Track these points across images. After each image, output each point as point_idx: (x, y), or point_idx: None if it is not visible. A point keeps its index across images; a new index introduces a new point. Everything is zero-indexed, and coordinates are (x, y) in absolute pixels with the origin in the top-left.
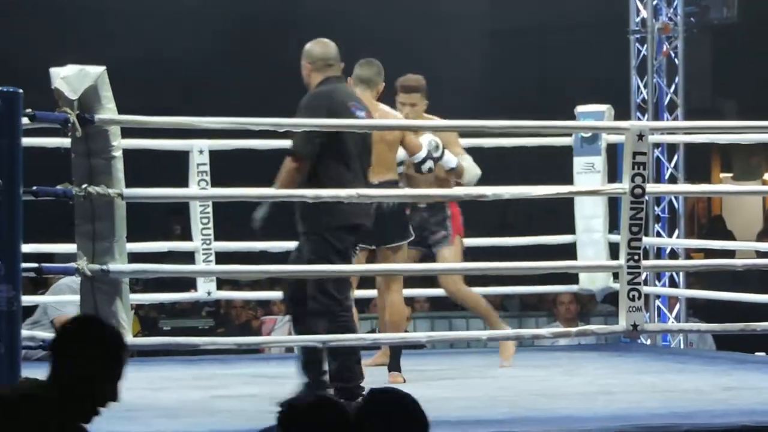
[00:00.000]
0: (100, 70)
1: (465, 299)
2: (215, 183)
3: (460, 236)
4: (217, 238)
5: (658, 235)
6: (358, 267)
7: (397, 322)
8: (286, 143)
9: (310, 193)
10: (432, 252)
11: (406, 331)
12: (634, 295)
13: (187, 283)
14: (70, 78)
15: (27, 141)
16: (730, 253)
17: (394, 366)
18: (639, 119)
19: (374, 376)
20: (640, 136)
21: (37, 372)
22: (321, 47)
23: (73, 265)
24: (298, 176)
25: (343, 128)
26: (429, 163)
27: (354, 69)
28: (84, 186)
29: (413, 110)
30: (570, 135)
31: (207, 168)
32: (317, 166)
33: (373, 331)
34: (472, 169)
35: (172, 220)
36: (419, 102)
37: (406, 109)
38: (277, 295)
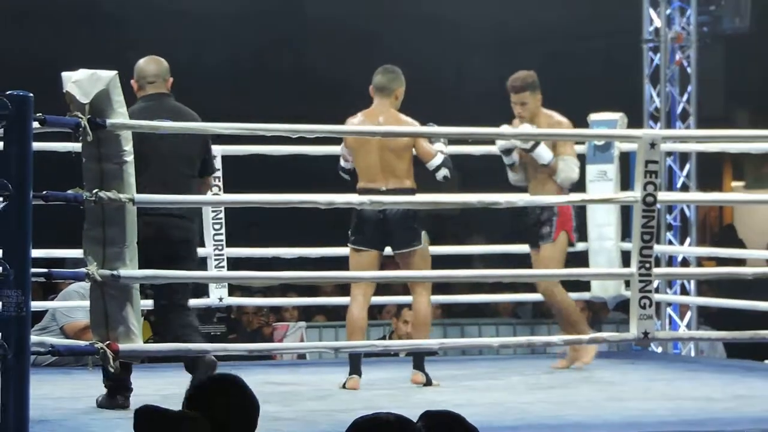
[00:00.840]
0: (111, 74)
1: (556, 303)
2: (228, 189)
3: (568, 233)
4: (230, 244)
5: (670, 243)
6: (365, 274)
7: (418, 325)
8: (299, 149)
9: (322, 198)
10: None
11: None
12: (645, 303)
13: (198, 289)
14: (81, 82)
15: (38, 145)
16: (741, 262)
17: (417, 365)
18: (651, 128)
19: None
20: (653, 145)
21: (45, 378)
22: (143, 65)
23: (83, 270)
24: None
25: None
26: (444, 171)
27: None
28: (95, 191)
29: (525, 109)
30: (583, 143)
31: (219, 173)
32: None
33: (384, 337)
34: (567, 170)
35: None
36: (529, 99)
37: (518, 108)
38: (289, 301)
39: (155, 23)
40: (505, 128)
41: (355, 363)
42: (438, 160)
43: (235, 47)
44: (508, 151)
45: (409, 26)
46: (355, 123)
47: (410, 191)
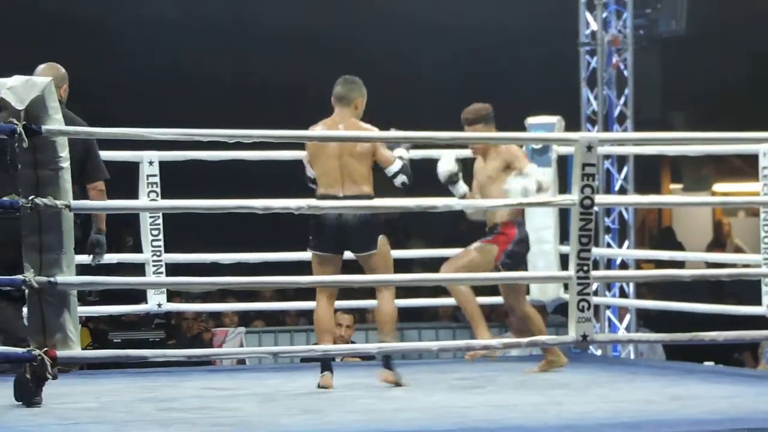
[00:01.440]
0: (47, 80)
1: (459, 300)
2: (165, 194)
3: (498, 250)
4: (169, 249)
5: (609, 246)
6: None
7: (382, 324)
8: (237, 154)
9: (259, 204)
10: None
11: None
12: (583, 306)
13: (137, 294)
14: (16, 88)
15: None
16: (679, 264)
17: (387, 365)
18: (589, 131)
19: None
20: (590, 148)
21: None
22: (39, 72)
23: (20, 277)
24: None
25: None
26: (402, 178)
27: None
28: (31, 197)
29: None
30: (521, 146)
31: (157, 179)
32: None
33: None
34: (537, 176)
35: (124, 231)
36: (484, 131)
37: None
38: (228, 307)
39: (97, 28)
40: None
41: (325, 361)
42: (396, 166)
43: (179, 53)
44: (453, 183)
45: (365, 28)
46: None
47: (367, 197)
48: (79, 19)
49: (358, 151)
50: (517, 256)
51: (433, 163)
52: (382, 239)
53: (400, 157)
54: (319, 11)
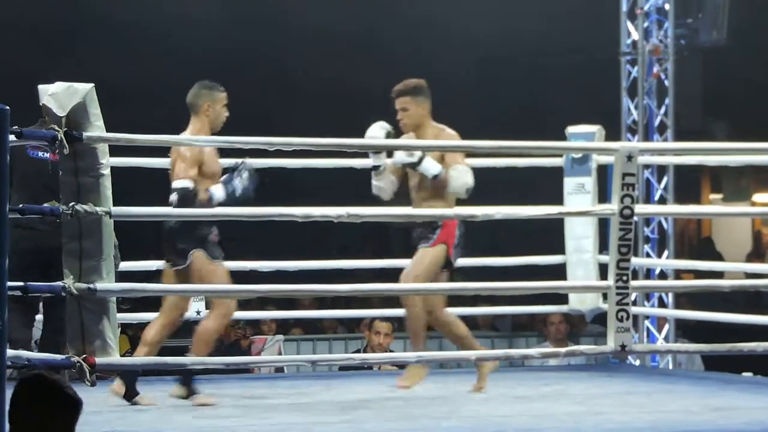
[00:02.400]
0: (88, 87)
1: (409, 312)
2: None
3: (447, 248)
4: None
5: (648, 255)
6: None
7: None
8: (279, 162)
9: (299, 211)
10: None
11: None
12: (622, 316)
13: None
14: (58, 95)
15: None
16: (718, 274)
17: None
18: (629, 140)
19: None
20: (630, 157)
21: None
22: None
23: (59, 283)
24: None
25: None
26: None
27: None
28: (71, 204)
29: (406, 115)
30: (561, 156)
31: None
32: None
33: (357, 351)
34: (459, 178)
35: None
36: (410, 105)
37: (399, 114)
38: (267, 314)
39: (132, 34)
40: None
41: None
42: (176, 184)
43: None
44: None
45: (396, 38)
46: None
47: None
48: (119, 23)
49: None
50: (465, 248)
51: None
52: (198, 253)
53: (211, 192)
54: (353, 13)
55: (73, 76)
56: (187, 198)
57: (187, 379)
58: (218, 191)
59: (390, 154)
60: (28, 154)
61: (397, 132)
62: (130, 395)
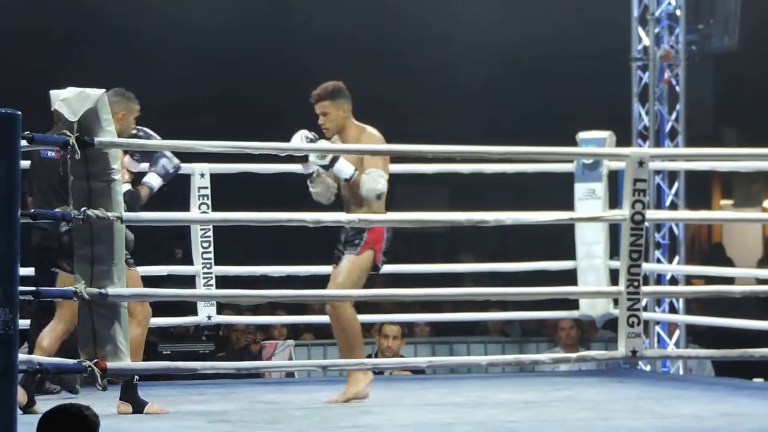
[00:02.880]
0: (100, 92)
1: (341, 321)
2: (216, 207)
3: (375, 253)
4: (219, 262)
5: (659, 261)
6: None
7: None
8: (288, 167)
9: (309, 217)
10: None
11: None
12: (633, 321)
13: (187, 307)
14: (69, 100)
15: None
16: (729, 280)
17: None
18: (640, 146)
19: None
20: (641, 163)
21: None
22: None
23: (71, 288)
24: None
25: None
26: None
27: None
28: (83, 209)
29: (327, 119)
30: (571, 161)
31: (208, 192)
32: None
33: (369, 356)
34: (370, 182)
35: (175, 244)
36: (330, 109)
37: (320, 120)
38: (278, 319)
39: (147, 40)
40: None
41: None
42: None
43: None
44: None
45: (408, 41)
46: None
47: None
48: (133, 30)
49: None
50: (388, 252)
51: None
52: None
53: (147, 184)
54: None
55: (84, 81)
56: (135, 200)
57: (129, 394)
58: (152, 179)
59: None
60: (39, 155)
61: (321, 137)
62: (138, 408)
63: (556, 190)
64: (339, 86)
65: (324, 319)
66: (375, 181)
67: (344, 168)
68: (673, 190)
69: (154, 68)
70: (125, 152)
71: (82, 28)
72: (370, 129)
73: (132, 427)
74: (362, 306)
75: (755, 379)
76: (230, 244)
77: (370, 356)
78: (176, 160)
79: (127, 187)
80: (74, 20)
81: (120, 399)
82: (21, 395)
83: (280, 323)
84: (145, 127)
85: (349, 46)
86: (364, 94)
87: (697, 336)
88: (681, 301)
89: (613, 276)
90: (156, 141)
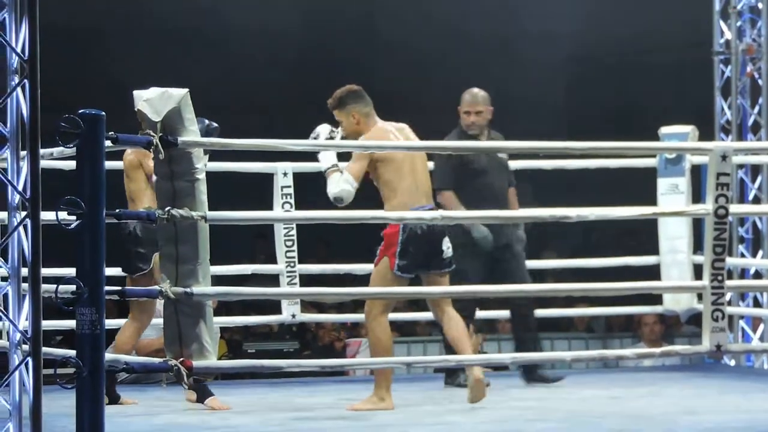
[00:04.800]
0: (183, 92)
1: (372, 329)
2: (299, 205)
3: (389, 259)
4: (303, 260)
5: (742, 255)
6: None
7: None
8: None
9: (394, 215)
10: None
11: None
12: (717, 316)
13: (271, 305)
14: (153, 100)
15: (112, 164)
16: None
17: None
18: (723, 140)
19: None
20: (724, 157)
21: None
22: None
23: (156, 288)
24: None
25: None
26: None
27: None
28: (167, 209)
29: (342, 128)
30: (654, 156)
31: (291, 191)
32: None
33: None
34: (330, 184)
35: (258, 243)
36: (341, 117)
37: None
38: (361, 317)
39: (223, 41)
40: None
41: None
42: None
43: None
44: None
45: (477, 39)
46: None
47: None
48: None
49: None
50: (411, 251)
51: None
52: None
53: None
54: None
55: (165, 81)
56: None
57: (196, 383)
58: None
59: None
60: None
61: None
62: (202, 397)
63: (639, 186)
64: (344, 92)
65: (407, 316)
66: (336, 183)
67: (323, 162)
68: (756, 184)
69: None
70: None
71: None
72: (375, 129)
73: (219, 424)
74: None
75: None
76: (313, 242)
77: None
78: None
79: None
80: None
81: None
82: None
83: (354, 321)
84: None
85: (419, 45)
86: (434, 90)
87: None
88: (765, 295)
89: (697, 271)
90: (239, 141)
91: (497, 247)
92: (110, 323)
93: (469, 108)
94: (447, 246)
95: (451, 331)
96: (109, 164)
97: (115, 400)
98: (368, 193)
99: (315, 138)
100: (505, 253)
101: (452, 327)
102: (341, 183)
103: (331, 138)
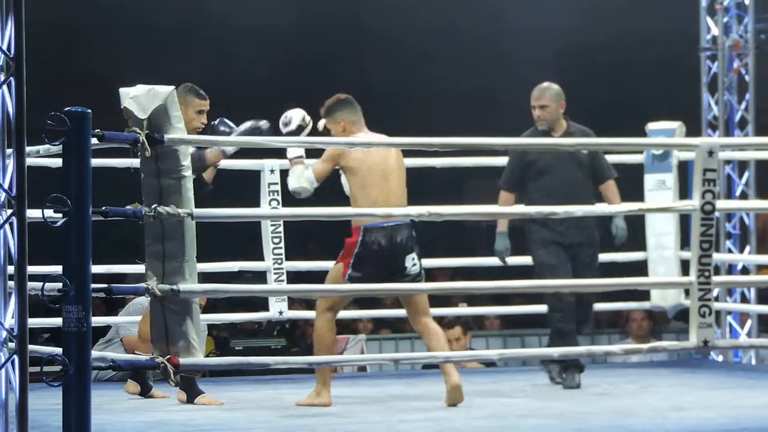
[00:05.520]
0: (169, 89)
1: (317, 325)
2: (286, 203)
3: (343, 267)
4: (289, 258)
5: (730, 251)
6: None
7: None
8: None
9: (379, 211)
10: None
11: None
12: (704, 312)
13: (258, 302)
14: (139, 98)
15: (97, 161)
16: None
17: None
18: (710, 136)
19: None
20: (711, 153)
21: (106, 393)
22: None
23: (143, 285)
24: None
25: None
26: None
27: None
28: (154, 206)
29: (332, 135)
30: (641, 152)
31: (278, 187)
32: None
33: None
34: (291, 176)
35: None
36: (330, 125)
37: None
38: (349, 314)
39: (212, 38)
40: None
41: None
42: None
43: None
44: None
45: (464, 34)
46: None
47: None
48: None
49: None
50: (366, 264)
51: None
52: None
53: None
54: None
55: (152, 78)
56: (199, 160)
57: (186, 383)
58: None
59: None
60: None
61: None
62: (192, 397)
63: (626, 182)
64: (333, 102)
65: (395, 312)
66: (297, 177)
67: (289, 148)
68: (744, 180)
69: (219, 66)
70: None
71: (149, 28)
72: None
73: (206, 421)
74: (431, 300)
75: None
76: (301, 239)
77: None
78: (261, 122)
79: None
80: (140, 22)
81: (180, 388)
82: (134, 386)
83: (350, 318)
84: (225, 119)
85: (411, 36)
86: (427, 85)
87: None
88: (752, 290)
89: (684, 266)
90: (225, 138)
91: (570, 245)
92: (97, 321)
93: (534, 102)
94: (412, 262)
95: (431, 344)
96: (96, 162)
97: (146, 391)
98: None
99: (287, 123)
100: (578, 252)
101: (432, 339)
102: (302, 180)
103: (302, 126)
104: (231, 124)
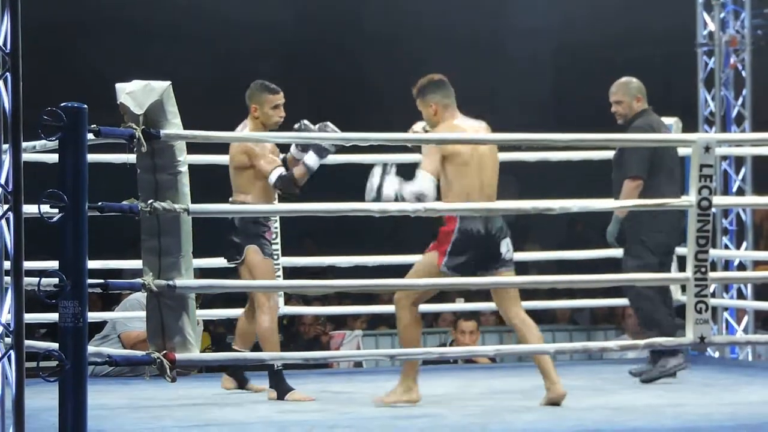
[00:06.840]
0: (165, 85)
1: (400, 318)
2: (283, 198)
3: (438, 256)
4: (286, 253)
5: (726, 247)
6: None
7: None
8: (350, 158)
9: (375, 207)
10: None
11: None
12: (701, 308)
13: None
14: (135, 93)
15: (93, 157)
16: None
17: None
18: (706, 132)
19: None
20: (707, 149)
21: (103, 388)
22: None
23: (139, 280)
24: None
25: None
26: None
27: None
28: (150, 201)
29: (424, 117)
30: None
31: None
32: None
33: (443, 344)
34: (425, 180)
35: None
36: (420, 107)
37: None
38: (345, 310)
39: (208, 34)
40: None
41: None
42: (272, 177)
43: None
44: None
45: (464, 32)
46: None
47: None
48: (191, 26)
49: (234, 161)
50: (463, 252)
51: None
52: (250, 249)
53: (305, 163)
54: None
55: (149, 74)
56: (287, 181)
57: (275, 380)
58: (310, 159)
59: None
60: None
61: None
62: (282, 394)
63: None
64: (426, 82)
65: (392, 308)
66: (426, 179)
67: (386, 190)
68: (740, 176)
69: (217, 62)
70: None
71: (147, 24)
72: (445, 125)
73: (202, 417)
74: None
75: None
76: (297, 234)
77: (444, 345)
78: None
79: (280, 171)
80: (138, 16)
81: (269, 386)
82: (229, 381)
83: (347, 314)
84: (305, 120)
85: (406, 42)
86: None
87: (765, 322)
88: (749, 286)
89: (681, 262)
90: (222, 133)
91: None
92: (93, 316)
93: (610, 98)
94: (506, 248)
95: (529, 337)
96: (92, 157)
97: (243, 384)
98: (351, 185)
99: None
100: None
101: (529, 332)
102: (428, 181)
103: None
104: (312, 126)
